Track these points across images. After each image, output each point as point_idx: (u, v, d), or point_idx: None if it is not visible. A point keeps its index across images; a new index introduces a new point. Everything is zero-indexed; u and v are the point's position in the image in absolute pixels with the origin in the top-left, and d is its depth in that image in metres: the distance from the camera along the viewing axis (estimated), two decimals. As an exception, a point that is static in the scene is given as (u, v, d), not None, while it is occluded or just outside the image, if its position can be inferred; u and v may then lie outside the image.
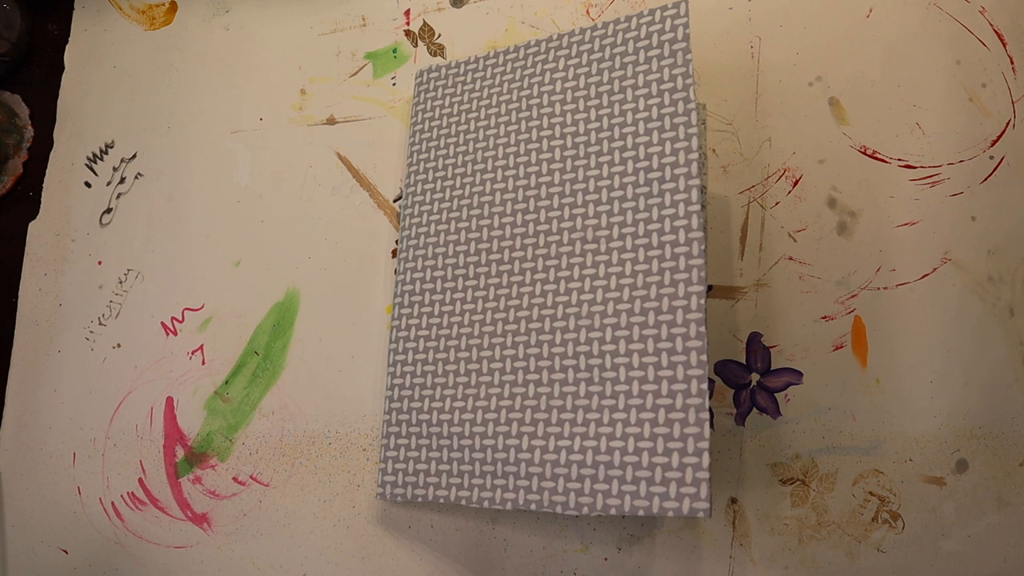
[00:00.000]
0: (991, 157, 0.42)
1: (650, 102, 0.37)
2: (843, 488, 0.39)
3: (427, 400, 0.39)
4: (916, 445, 0.39)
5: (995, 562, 0.38)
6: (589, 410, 0.35)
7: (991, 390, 0.39)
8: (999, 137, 0.42)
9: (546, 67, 0.41)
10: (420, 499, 0.39)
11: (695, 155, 0.36)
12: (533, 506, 0.36)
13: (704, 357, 0.34)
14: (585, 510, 0.34)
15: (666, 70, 0.37)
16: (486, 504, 0.37)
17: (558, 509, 0.35)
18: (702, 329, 0.34)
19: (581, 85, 0.40)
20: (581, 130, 0.39)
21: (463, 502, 0.38)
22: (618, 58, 0.39)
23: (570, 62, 0.40)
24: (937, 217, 0.41)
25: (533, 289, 0.38)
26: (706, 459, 0.32)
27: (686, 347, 0.34)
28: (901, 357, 0.40)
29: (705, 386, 0.33)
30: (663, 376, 0.34)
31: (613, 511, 0.34)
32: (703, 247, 0.35)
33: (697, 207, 0.35)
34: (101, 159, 0.49)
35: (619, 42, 0.39)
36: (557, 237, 0.38)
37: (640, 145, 0.37)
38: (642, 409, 0.34)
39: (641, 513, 0.33)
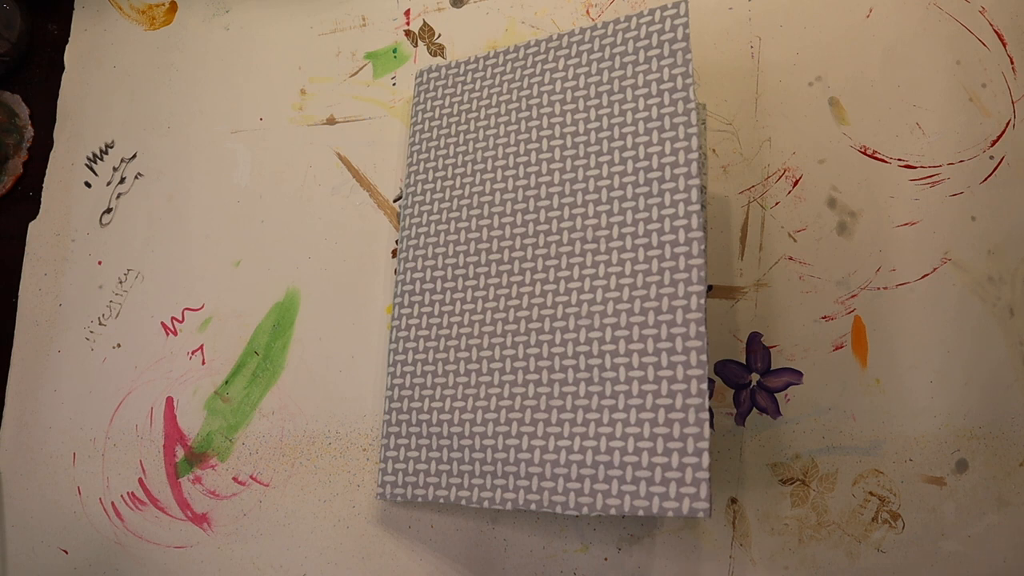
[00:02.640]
0: (991, 157, 0.42)
1: (650, 102, 0.37)
2: (843, 488, 0.39)
3: (427, 400, 0.39)
4: (916, 445, 0.39)
5: (995, 562, 0.38)
6: (589, 410, 0.35)
7: (991, 390, 0.39)
8: (999, 137, 0.42)
9: (546, 67, 0.41)
10: (420, 499, 0.39)
11: (695, 155, 0.36)
12: (533, 506, 0.36)
13: (704, 357, 0.34)
14: (585, 510, 0.34)
15: (666, 70, 0.37)
16: (486, 504, 0.37)
17: (558, 509, 0.35)
18: (702, 329, 0.34)
19: (581, 85, 0.40)
20: (581, 130, 0.39)
21: (463, 502, 0.38)
22: (618, 58, 0.39)
23: (570, 62, 0.40)
24: (937, 217, 0.41)
25: (533, 289, 0.38)
26: (706, 459, 0.32)
27: (686, 347, 0.34)
28: (901, 357, 0.40)
29: (705, 386, 0.33)
30: (663, 376, 0.34)
31: (613, 511, 0.34)
32: (703, 247, 0.35)
33: (697, 207, 0.35)
34: (101, 159, 0.49)
35: (619, 42, 0.39)
36: (557, 237, 0.38)
37: (640, 145, 0.37)
38: (642, 409, 0.34)
39: (641, 513, 0.33)
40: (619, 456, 0.34)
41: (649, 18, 0.39)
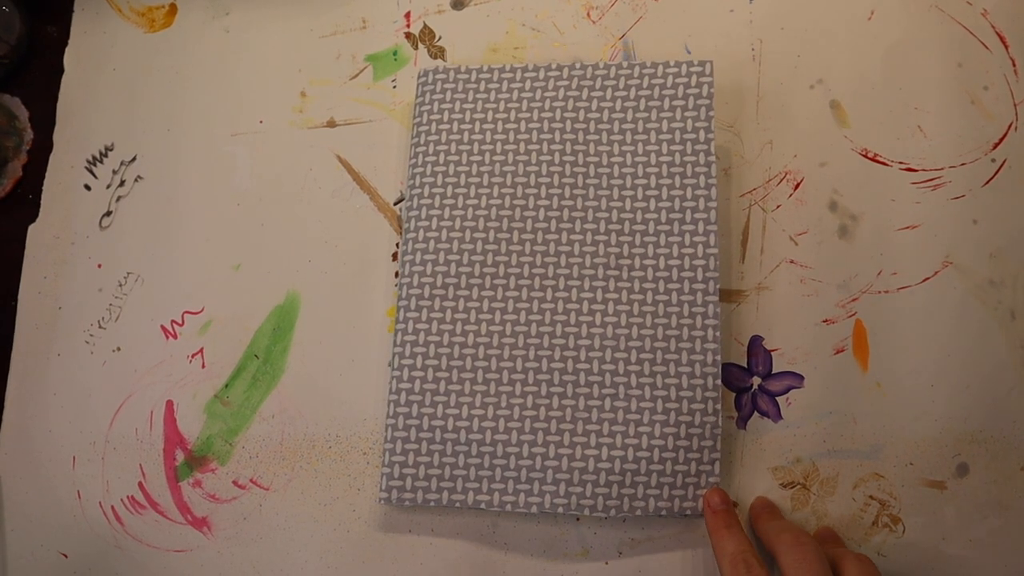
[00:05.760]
0: (993, 160, 0.42)
1: (673, 148, 0.41)
2: (843, 492, 0.39)
3: (440, 406, 0.40)
4: (917, 449, 0.39)
5: (996, 566, 0.38)
6: (615, 423, 0.39)
7: (992, 394, 0.39)
8: (1001, 140, 0.42)
9: (569, 93, 0.43)
10: (433, 503, 0.39)
11: (714, 204, 0.40)
12: (560, 509, 0.38)
13: (719, 381, 0.38)
14: (613, 512, 0.38)
15: (689, 121, 0.41)
16: (508, 508, 0.39)
17: (586, 512, 0.38)
18: (718, 358, 0.39)
19: (605, 119, 0.42)
20: (604, 162, 0.41)
21: (482, 506, 0.39)
22: (643, 100, 0.42)
23: (594, 93, 0.42)
24: (938, 220, 0.41)
25: (555, 306, 0.40)
26: (717, 467, 0.38)
27: (703, 372, 0.38)
28: (902, 361, 0.40)
29: (720, 406, 0.38)
30: (683, 396, 0.38)
31: (639, 512, 0.38)
32: (718, 286, 0.39)
33: (715, 250, 0.40)
34: (101, 162, 0.49)
35: (645, 85, 0.42)
36: (579, 260, 0.41)
37: (663, 187, 0.40)
38: (666, 424, 0.38)
39: (664, 514, 0.38)
40: (645, 464, 0.38)
41: (676, 70, 0.42)
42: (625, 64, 0.43)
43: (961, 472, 0.39)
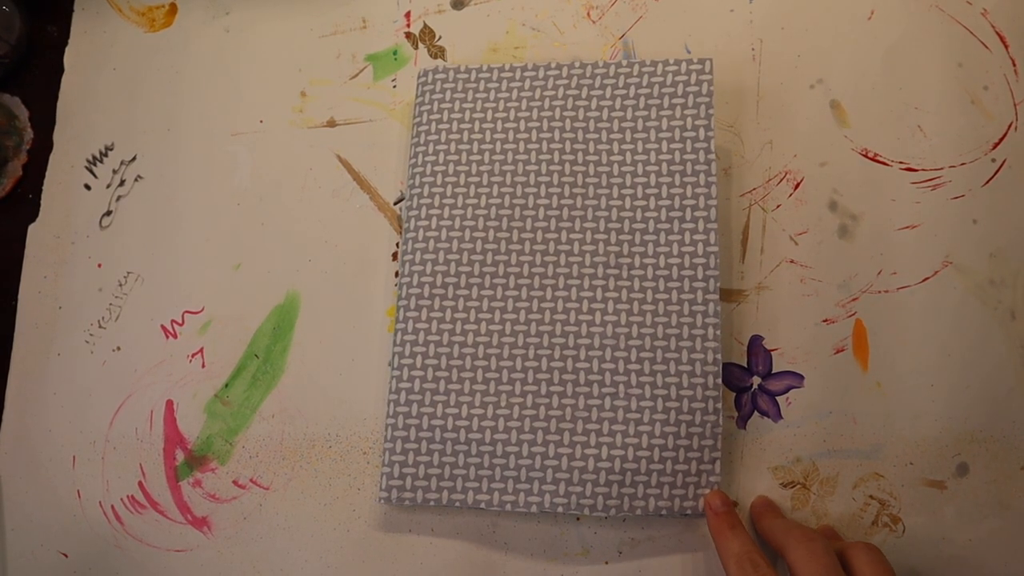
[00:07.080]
0: (993, 160, 0.42)
1: (673, 146, 0.41)
2: (843, 492, 0.39)
3: (440, 406, 0.40)
4: (917, 448, 0.39)
5: (996, 566, 0.38)
6: (615, 422, 0.38)
7: (992, 393, 0.39)
8: (1001, 140, 0.42)
9: (568, 92, 0.43)
10: (433, 503, 0.39)
11: (714, 202, 0.39)
12: (560, 508, 0.38)
13: (719, 380, 0.38)
14: (613, 511, 0.38)
15: (689, 119, 0.41)
16: (508, 508, 0.39)
17: (586, 511, 0.38)
18: (718, 356, 0.38)
19: (604, 117, 0.42)
20: (604, 161, 0.41)
21: (482, 505, 0.39)
22: (643, 98, 0.42)
23: (593, 92, 0.42)
24: (938, 220, 0.41)
25: (555, 305, 0.40)
26: (718, 466, 0.38)
27: (704, 371, 0.38)
28: (902, 360, 0.40)
29: (720, 404, 0.38)
30: (684, 395, 0.38)
31: (639, 512, 0.37)
32: (719, 284, 0.39)
33: (715, 248, 0.39)
34: (101, 161, 0.49)
35: (645, 84, 0.42)
36: (579, 258, 0.41)
37: (663, 185, 0.40)
38: (666, 424, 0.38)
39: (664, 513, 0.38)
40: (645, 464, 0.38)
41: (675, 68, 0.42)
42: (625, 62, 0.43)
43: (961, 472, 0.39)
